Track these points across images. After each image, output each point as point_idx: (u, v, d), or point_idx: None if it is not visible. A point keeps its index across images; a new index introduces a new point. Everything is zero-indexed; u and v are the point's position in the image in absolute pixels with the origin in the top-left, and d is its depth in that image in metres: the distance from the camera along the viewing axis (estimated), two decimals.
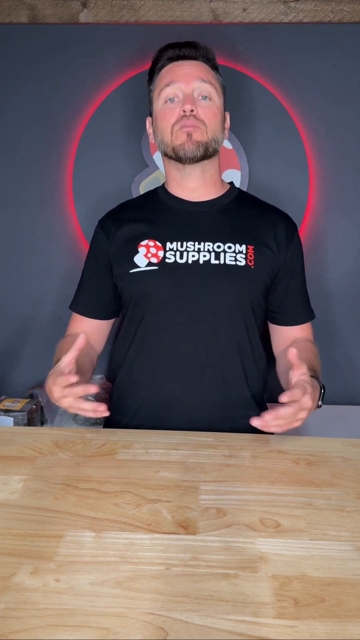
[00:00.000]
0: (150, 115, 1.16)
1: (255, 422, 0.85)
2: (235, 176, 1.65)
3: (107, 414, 0.90)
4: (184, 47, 1.11)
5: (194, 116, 1.07)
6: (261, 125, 1.64)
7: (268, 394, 1.23)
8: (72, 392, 0.89)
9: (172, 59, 1.11)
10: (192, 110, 1.06)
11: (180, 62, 1.11)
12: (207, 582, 0.61)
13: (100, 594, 0.59)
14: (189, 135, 1.06)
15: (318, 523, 0.73)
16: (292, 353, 0.90)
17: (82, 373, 1.03)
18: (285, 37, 1.60)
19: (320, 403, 0.99)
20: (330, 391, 1.78)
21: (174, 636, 0.54)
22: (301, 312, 1.20)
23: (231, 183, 1.23)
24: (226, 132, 1.15)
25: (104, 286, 1.18)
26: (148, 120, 1.18)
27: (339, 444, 0.96)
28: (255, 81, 1.61)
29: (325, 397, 1.58)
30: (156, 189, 1.22)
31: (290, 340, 1.19)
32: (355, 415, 1.68)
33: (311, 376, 0.99)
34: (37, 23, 1.62)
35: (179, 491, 0.79)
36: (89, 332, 1.19)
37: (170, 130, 1.09)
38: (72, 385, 0.89)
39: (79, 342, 0.92)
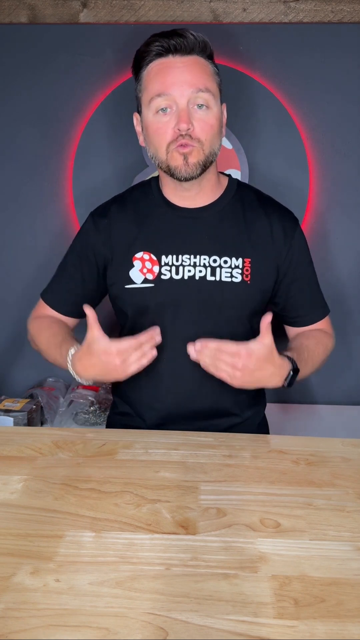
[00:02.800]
0: (139, 112, 1.06)
1: (190, 350, 0.92)
2: (235, 176, 1.65)
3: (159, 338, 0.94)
4: (172, 38, 0.97)
5: (190, 135, 0.99)
6: (261, 125, 1.64)
7: (268, 395, 1.23)
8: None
9: (160, 54, 0.99)
10: (188, 129, 0.98)
11: (170, 59, 0.98)
12: (207, 582, 0.61)
13: (100, 594, 0.59)
14: (185, 157, 1.00)
15: (318, 523, 0.73)
16: (265, 320, 0.91)
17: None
18: (285, 37, 1.60)
19: (285, 383, 0.97)
20: (330, 391, 1.80)
21: (174, 636, 0.54)
22: (311, 313, 1.17)
23: (229, 176, 1.17)
24: (223, 129, 1.07)
25: (88, 285, 1.14)
26: (136, 117, 1.08)
27: (339, 444, 0.96)
28: (255, 81, 1.61)
29: (326, 397, 1.58)
30: (150, 182, 1.15)
31: None
32: (355, 415, 1.69)
33: (286, 355, 0.99)
34: (37, 23, 1.62)
35: (179, 491, 0.79)
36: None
37: (165, 149, 1.01)
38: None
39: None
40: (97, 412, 1.63)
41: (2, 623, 0.55)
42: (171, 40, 0.97)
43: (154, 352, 0.93)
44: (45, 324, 1.13)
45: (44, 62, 1.64)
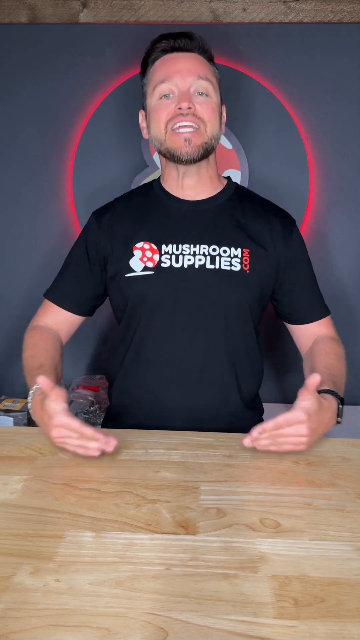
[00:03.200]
0: (144, 109, 1.13)
1: (246, 441, 0.87)
2: (235, 176, 1.65)
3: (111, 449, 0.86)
4: (178, 38, 1.07)
5: (193, 114, 1.03)
6: (261, 125, 1.64)
7: (266, 393, 1.23)
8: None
9: (166, 51, 1.07)
10: (189, 108, 1.03)
11: (174, 55, 1.07)
12: (207, 582, 0.61)
13: (100, 594, 0.59)
14: (187, 140, 1.04)
15: (318, 523, 0.73)
16: (313, 380, 0.87)
17: (56, 375, 1.04)
18: (285, 37, 1.60)
19: (339, 419, 0.95)
20: None
21: (174, 636, 0.54)
22: (314, 309, 1.17)
23: (228, 178, 1.20)
24: (223, 126, 1.12)
25: (91, 281, 1.16)
26: (141, 114, 1.14)
27: (339, 444, 0.96)
28: (255, 81, 1.61)
29: None
30: (152, 183, 1.19)
31: (311, 339, 1.16)
32: (355, 415, 1.68)
33: (329, 391, 0.96)
34: (37, 23, 1.62)
35: (179, 491, 0.79)
36: (60, 324, 1.17)
37: (163, 128, 1.06)
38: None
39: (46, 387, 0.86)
40: (97, 412, 1.63)
41: (2, 623, 0.55)
42: (176, 40, 1.07)
43: (96, 454, 0.85)
44: (33, 342, 1.13)
45: (44, 62, 1.64)
